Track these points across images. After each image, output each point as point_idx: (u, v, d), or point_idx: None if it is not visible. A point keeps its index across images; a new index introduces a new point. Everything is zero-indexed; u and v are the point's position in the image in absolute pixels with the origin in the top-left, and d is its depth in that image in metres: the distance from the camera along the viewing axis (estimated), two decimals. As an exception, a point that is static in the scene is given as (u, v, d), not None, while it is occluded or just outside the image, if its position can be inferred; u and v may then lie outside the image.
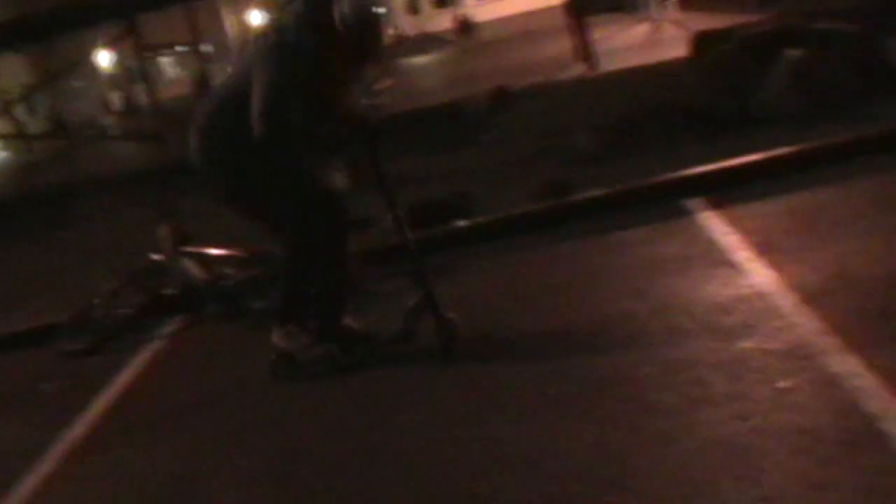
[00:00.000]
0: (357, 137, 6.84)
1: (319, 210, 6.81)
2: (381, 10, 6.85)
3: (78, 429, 7.11)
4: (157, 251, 9.43)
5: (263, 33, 7.03)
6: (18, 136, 38.84)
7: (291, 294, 6.97)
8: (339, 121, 6.79)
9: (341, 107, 6.86)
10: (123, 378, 7.98)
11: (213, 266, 9.17)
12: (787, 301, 6.25)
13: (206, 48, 49.00)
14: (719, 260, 7.27)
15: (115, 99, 62.74)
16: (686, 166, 9.66)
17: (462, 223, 9.91)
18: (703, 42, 13.94)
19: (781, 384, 5.16)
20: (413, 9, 76.80)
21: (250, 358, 7.79)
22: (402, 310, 6.87)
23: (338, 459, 5.64)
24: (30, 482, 6.40)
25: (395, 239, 6.95)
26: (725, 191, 8.92)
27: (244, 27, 68.64)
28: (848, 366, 5.19)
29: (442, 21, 71.32)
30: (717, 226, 8.12)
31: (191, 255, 9.23)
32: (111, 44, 34.57)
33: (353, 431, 5.97)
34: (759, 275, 6.80)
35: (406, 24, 73.01)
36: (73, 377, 8.40)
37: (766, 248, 7.27)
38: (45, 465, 6.59)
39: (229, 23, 71.85)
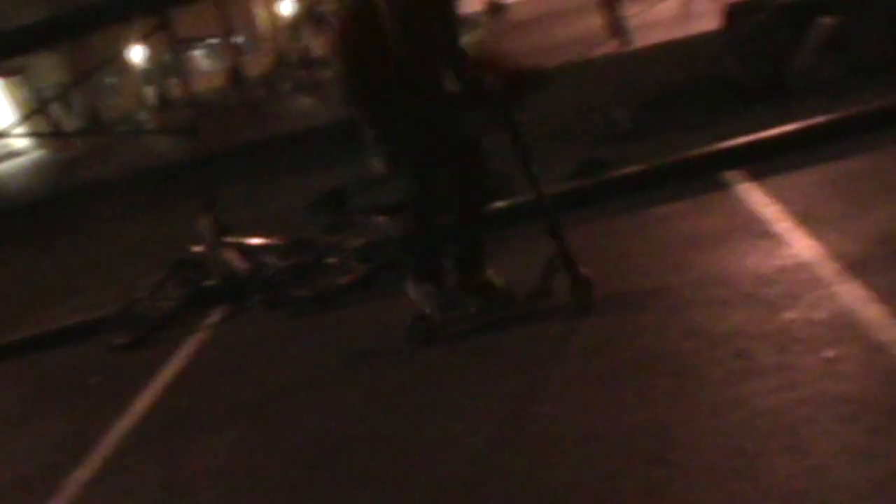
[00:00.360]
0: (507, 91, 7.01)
1: (449, 154, 6.83)
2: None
3: (126, 422, 7.18)
4: (198, 243, 9.48)
5: None
6: (55, 134, 39.05)
7: (422, 250, 6.96)
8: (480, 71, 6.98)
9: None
10: (169, 371, 8.05)
11: (254, 256, 9.22)
12: (829, 270, 6.23)
13: (237, 40, 49.04)
14: (760, 231, 7.25)
15: (150, 93, 62.89)
16: (723, 139, 9.63)
17: (501, 203, 9.90)
18: (735, 13, 13.82)
19: (827, 354, 5.15)
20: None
21: (294, 347, 7.85)
22: (537, 266, 6.86)
23: (386, 447, 5.67)
24: (79, 475, 6.47)
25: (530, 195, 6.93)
26: (763, 162, 8.88)
27: (274, 18, 68.73)
28: (893, 333, 5.17)
29: (472, 2, 71.12)
30: (756, 197, 8.09)
31: (231, 246, 9.29)
32: (144, 39, 34.60)
33: (396, 417, 5.99)
34: (800, 245, 6.78)
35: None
36: (119, 371, 8.48)
37: (806, 218, 7.24)
38: (95, 459, 6.66)
39: (260, 14, 71.90)
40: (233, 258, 9.22)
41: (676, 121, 11.26)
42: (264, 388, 7.10)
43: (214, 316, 9.17)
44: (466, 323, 6.94)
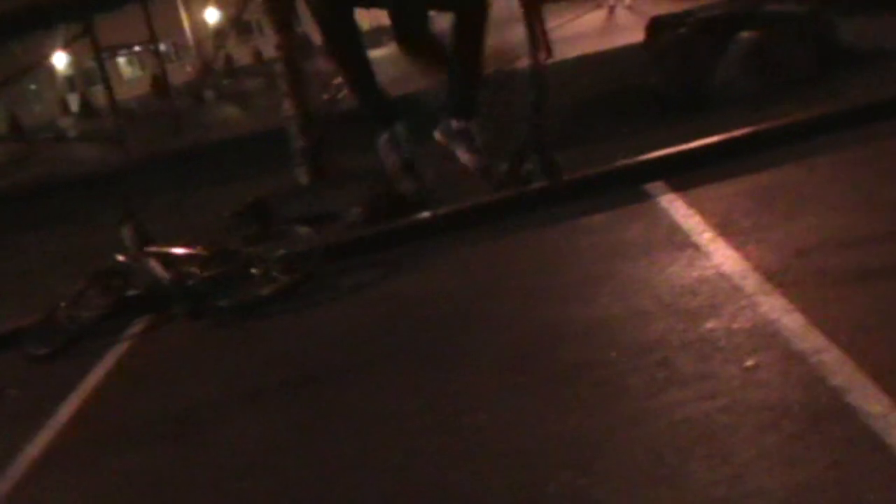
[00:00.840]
0: None
1: None
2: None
3: (45, 435, 7.06)
4: (121, 252, 9.41)
5: None
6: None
7: (469, 81, 6.92)
8: None
9: None
10: (90, 382, 7.95)
11: (177, 265, 9.15)
12: (749, 281, 6.30)
13: (162, 47, 48.74)
14: (682, 242, 7.32)
15: (73, 100, 62.36)
16: (645, 151, 9.71)
17: (425, 215, 9.93)
18: (658, 26, 13.96)
19: (748, 363, 5.21)
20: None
21: (217, 358, 7.83)
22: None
23: (310, 458, 5.66)
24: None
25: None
26: (685, 173, 8.97)
27: (200, 26, 68.36)
28: (812, 342, 5.25)
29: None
30: (678, 208, 8.17)
31: (154, 255, 9.21)
32: (67, 45, 34.32)
33: (322, 429, 5.99)
34: (721, 256, 6.85)
35: (361, 18, 72.83)
36: (39, 382, 8.38)
37: (727, 229, 7.33)
38: (13, 473, 6.56)
39: (187, 22, 71.51)
40: (156, 268, 9.15)
41: (600, 132, 11.36)
42: (187, 400, 7.04)
43: (137, 326, 9.09)
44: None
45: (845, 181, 7.89)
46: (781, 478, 4.16)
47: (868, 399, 4.54)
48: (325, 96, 21.05)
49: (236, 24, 51.23)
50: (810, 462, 4.20)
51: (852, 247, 6.51)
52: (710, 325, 5.80)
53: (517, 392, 5.66)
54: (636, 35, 15.78)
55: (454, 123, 6.61)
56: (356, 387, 6.43)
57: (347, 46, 6.66)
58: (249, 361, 7.55)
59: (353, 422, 5.90)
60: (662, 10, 16.96)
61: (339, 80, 23.08)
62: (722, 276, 6.52)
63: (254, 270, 8.98)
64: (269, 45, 15.95)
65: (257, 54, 61.12)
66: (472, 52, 6.71)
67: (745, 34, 11.44)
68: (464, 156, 6.63)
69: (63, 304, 9.37)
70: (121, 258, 9.42)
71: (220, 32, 58.49)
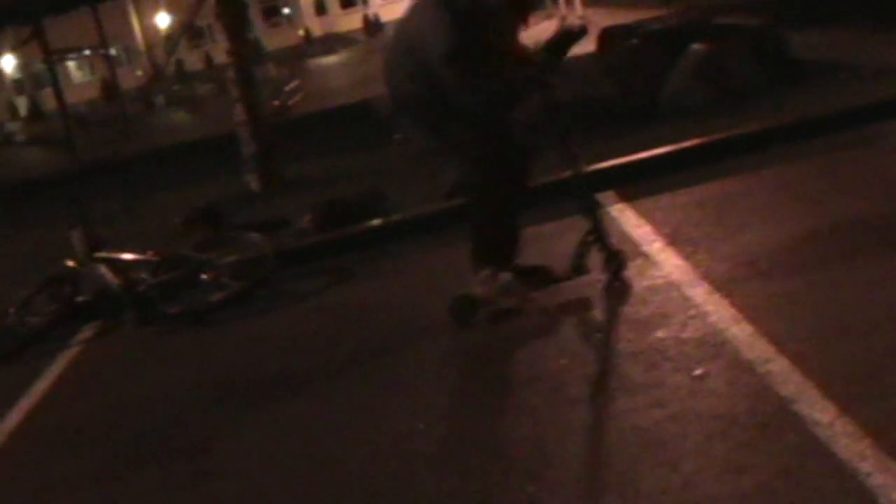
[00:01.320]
0: (532, 86, 6.92)
1: (501, 146, 6.81)
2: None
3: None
4: (71, 257, 9.35)
5: None
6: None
7: (484, 237, 6.89)
8: (512, 71, 6.87)
9: (510, 56, 6.96)
10: (40, 387, 7.89)
11: (127, 271, 9.11)
12: (698, 290, 6.35)
13: (112, 52, 48.53)
14: (632, 252, 7.35)
15: (21, 104, 61.95)
16: (596, 161, 9.75)
17: (375, 222, 9.94)
18: (609, 38, 14.06)
19: (697, 372, 5.25)
20: (320, 9, 76.64)
21: (166, 364, 7.79)
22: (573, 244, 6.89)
23: (261, 466, 5.65)
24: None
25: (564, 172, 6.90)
26: (635, 184, 9.03)
27: (151, 31, 68.15)
28: (760, 351, 5.29)
29: (350, 21, 71.28)
30: (628, 218, 8.22)
31: (104, 261, 9.17)
32: (16, 48, 34.11)
33: (272, 436, 5.98)
34: (671, 265, 6.90)
35: (314, 25, 72.84)
36: (-13, 387, 8.32)
37: (676, 239, 7.38)
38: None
39: (138, 26, 71.24)
40: (105, 274, 9.10)
41: (550, 144, 11.37)
42: (136, 406, 7.02)
43: (86, 332, 9.05)
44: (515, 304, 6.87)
45: (794, 192, 7.96)
46: (730, 486, 4.20)
47: (815, 408, 4.59)
48: (276, 102, 21.05)
49: (188, 30, 51.13)
50: (758, 470, 4.24)
51: (800, 257, 6.58)
52: (659, 334, 5.84)
53: (468, 400, 5.69)
54: (588, 45, 15.86)
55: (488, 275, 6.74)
56: (306, 394, 6.43)
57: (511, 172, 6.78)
58: (199, 368, 7.53)
59: (303, 430, 5.89)
60: (614, 21, 17.08)
61: (291, 86, 23.07)
62: (671, 285, 6.57)
63: (204, 276, 8.97)
64: (220, 50, 15.91)
65: (208, 60, 61.01)
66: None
67: (695, 46, 11.53)
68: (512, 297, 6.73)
69: (12, 310, 9.31)
70: (70, 264, 9.36)
71: (171, 37, 58.32)
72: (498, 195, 6.76)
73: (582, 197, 6.88)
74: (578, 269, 6.81)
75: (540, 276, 6.95)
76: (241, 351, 7.65)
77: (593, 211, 6.85)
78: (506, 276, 6.75)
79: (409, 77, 6.74)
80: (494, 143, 6.76)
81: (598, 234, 6.78)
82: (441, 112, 6.71)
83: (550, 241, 8.18)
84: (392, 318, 7.40)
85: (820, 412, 4.54)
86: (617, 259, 6.76)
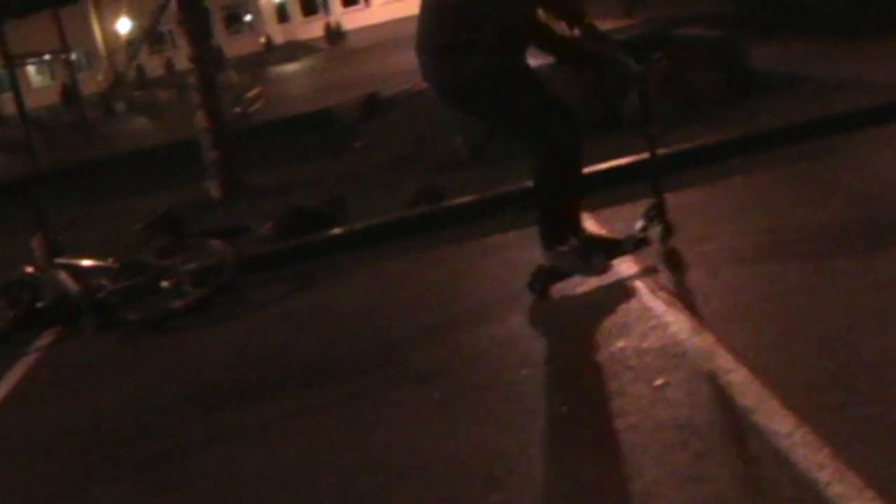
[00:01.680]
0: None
1: (561, 120, 6.78)
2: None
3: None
4: (30, 263, 9.31)
5: None
6: None
7: (551, 214, 6.89)
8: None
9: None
10: (-3, 392, 7.87)
11: (86, 277, 9.08)
12: (659, 301, 6.38)
13: (73, 57, 48.28)
14: (592, 262, 7.39)
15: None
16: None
17: (337, 230, 9.94)
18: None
19: (657, 382, 5.27)
20: (282, 16, 76.52)
21: (125, 371, 7.76)
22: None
23: (220, 475, 5.63)
24: None
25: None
26: (597, 194, 9.04)
27: (112, 36, 67.89)
28: (720, 362, 5.32)
29: (311, 28, 71.23)
30: (588, 227, 8.23)
31: (63, 267, 9.13)
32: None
33: (230, 444, 5.96)
34: (631, 275, 6.92)
35: (275, 32, 72.71)
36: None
37: (637, 249, 7.40)
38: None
39: (98, 31, 70.93)
40: (65, 279, 9.07)
41: (513, 150, 11.40)
42: (94, 413, 6.97)
43: (45, 338, 8.99)
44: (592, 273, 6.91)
45: (754, 203, 8.01)
46: (690, 495, 4.21)
47: (774, 418, 4.61)
48: (238, 109, 21.01)
49: (149, 35, 50.92)
50: (718, 480, 4.26)
51: (761, 268, 6.62)
52: (620, 344, 5.86)
53: (430, 407, 5.68)
54: (549, 56, 15.89)
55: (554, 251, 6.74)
56: (266, 402, 6.41)
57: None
58: (158, 375, 7.49)
59: (262, 437, 5.87)
60: (576, 32, 17.11)
61: (252, 93, 23.03)
62: (632, 295, 6.59)
63: (164, 283, 8.94)
64: (181, 56, 15.87)
65: (170, 66, 60.77)
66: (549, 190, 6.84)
67: (657, 58, 11.57)
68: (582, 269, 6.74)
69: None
70: (30, 269, 9.33)
71: (132, 43, 58.11)
72: (567, 172, 6.79)
73: (654, 176, 7.19)
74: (641, 241, 7.02)
75: (608, 248, 6.99)
76: (202, 358, 7.62)
77: (660, 190, 7.14)
78: (576, 243, 6.80)
79: (471, 49, 6.61)
80: (561, 117, 6.78)
81: (661, 209, 7.09)
82: (496, 92, 6.69)
83: (511, 250, 8.20)
84: (354, 326, 7.40)
85: (779, 422, 4.56)
86: (670, 233, 7.14)
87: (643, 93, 7.17)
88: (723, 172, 8.93)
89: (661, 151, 9.42)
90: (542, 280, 6.93)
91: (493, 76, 6.58)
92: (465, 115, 7.36)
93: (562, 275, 6.91)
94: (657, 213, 7.12)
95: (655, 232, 7.10)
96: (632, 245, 7.04)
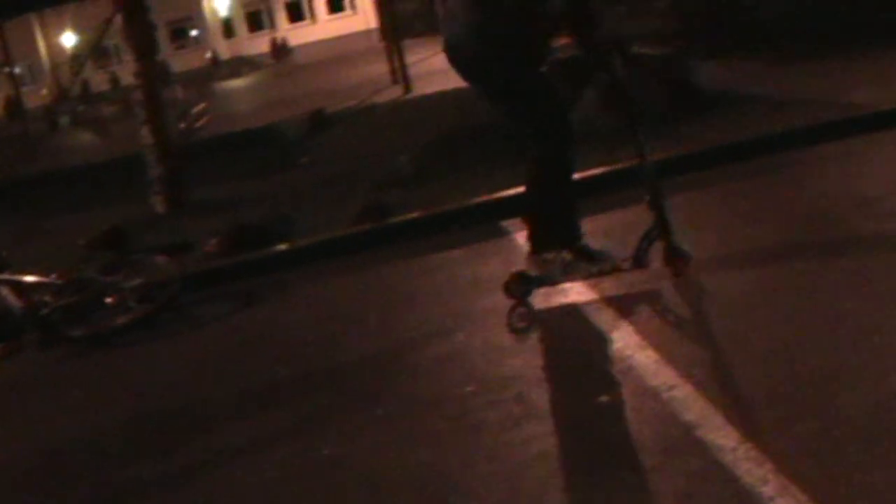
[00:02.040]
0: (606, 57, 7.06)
1: (559, 122, 6.77)
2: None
3: None
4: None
5: None
6: None
7: (541, 219, 6.83)
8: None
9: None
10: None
11: (29, 293, 8.99)
12: (604, 317, 6.41)
13: (16, 70, 47.94)
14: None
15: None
16: (502, 188, 9.81)
17: (283, 246, 9.91)
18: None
19: (602, 398, 5.28)
20: (228, 32, 76.32)
21: (68, 389, 7.70)
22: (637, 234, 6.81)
23: (166, 493, 5.60)
24: None
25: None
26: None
27: (56, 50, 67.47)
28: (664, 378, 5.34)
29: (257, 44, 71.10)
30: (586, 241, 8.26)
31: (7, 283, 9.04)
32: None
33: (177, 462, 5.92)
34: (576, 292, 6.94)
35: (221, 47, 72.49)
36: None
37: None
38: None
39: (43, 45, 70.48)
40: (7, 295, 8.98)
41: (458, 168, 11.45)
42: (35, 431, 6.91)
43: (-13, 353, 8.92)
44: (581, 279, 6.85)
45: (697, 220, 8.05)
46: (634, 511, 4.24)
47: (718, 433, 4.64)
48: (183, 125, 20.91)
49: (94, 50, 50.65)
50: (664, 495, 4.28)
51: (705, 284, 6.66)
52: (565, 360, 5.88)
53: (375, 424, 5.67)
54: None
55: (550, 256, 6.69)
56: (211, 419, 6.38)
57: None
58: (102, 394, 7.44)
59: (208, 455, 5.85)
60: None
61: (198, 108, 22.94)
62: (577, 311, 6.62)
63: (109, 300, 8.89)
64: (127, 71, 15.79)
65: (115, 81, 60.44)
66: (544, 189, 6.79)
67: (602, 74, 11.61)
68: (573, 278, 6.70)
69: None
70: (-29, 285, 9.24)
71: (77, 57, 57.76)
72: (564, 173, 6.77)
73: (649, 187, 6.81)
74: (640, 261, 6.77)
75: (601, 263, 6.91)
76: (147, 376, 7.58)
77: (660, 203, 6.76)
78: (568, 257, 6.76)
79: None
80: (561, 120, 6.77)
81: (663, 227, 6.72)
82: (510, 84, 6.78)
83: (456, 267, 8.22)
84: (299, 343, 7.38)
85: (723, 437, 4.59)
86: (680, 255, 6.71)
87: (626, 98, 7.06)
88: (666, 189, 8.96)
89: (605, 170, 9.52)
90: (522, 286, 6.90)
91: (520, 60, 6.70)
92: (478, 90, 7.28)
93: (542, 283, 6.88)
94: (659, 233, 6.76)
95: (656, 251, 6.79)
96: (629, 265, 6.81)
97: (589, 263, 6.82)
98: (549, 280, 6.85)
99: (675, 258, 6.66)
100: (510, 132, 7.21)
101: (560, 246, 6.78)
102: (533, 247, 6.87)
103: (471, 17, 6.74)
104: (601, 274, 6.81)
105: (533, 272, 6.87)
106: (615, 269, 6.82)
